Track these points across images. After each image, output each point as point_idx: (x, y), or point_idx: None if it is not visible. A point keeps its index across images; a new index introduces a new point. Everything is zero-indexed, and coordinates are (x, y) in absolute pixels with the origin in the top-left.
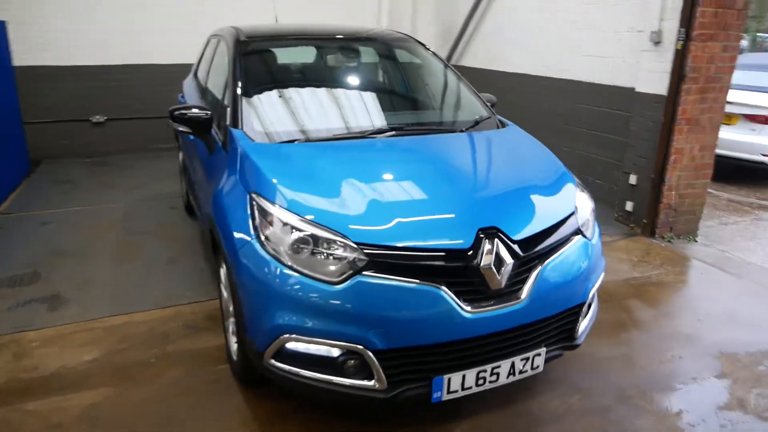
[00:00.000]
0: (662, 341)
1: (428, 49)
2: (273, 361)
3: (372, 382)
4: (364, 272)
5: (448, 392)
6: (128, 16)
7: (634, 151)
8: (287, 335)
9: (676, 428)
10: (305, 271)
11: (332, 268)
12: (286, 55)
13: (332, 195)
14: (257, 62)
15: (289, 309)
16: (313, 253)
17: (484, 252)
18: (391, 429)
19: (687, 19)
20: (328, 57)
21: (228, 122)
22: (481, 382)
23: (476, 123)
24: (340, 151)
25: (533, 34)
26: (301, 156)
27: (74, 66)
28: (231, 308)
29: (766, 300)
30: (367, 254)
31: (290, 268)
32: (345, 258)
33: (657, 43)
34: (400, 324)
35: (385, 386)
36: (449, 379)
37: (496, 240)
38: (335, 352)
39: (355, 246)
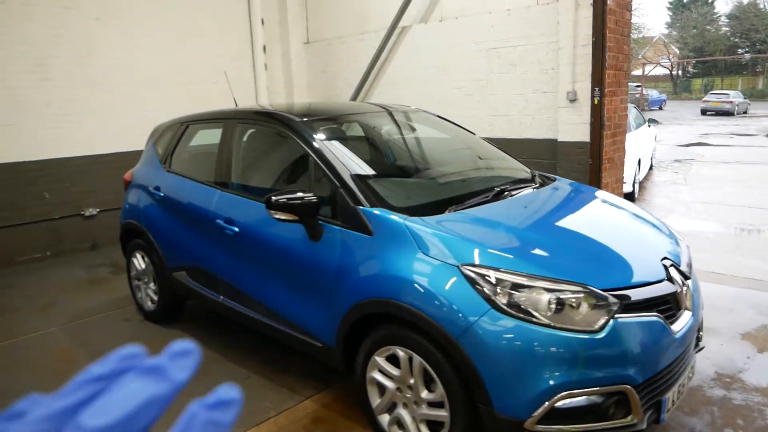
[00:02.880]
0: None
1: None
2: (541, 427)
3: (629, 418)
4: (617, 316)
5: (667, 410)
6: None
7: None
8: (560, 394)
9: None
10: (566, 326)
11: (590, 317)
12: (347, 132)
13: (543, 252)
14: (335, 140)
15: (556, 367)
16: (565, 308)
17: (675, 280)
18: None
19: (599, 80)
20: (383, 130)
21: (357, 203)
22: (678, 394)
23: (538, 177)
24: (503, 214)
25: (436, 103)
26: (473, 223)
27: None
28: (424, 394)
29: None
30: (616, 298)
31: (548, 327)
32: (600, 306)
33: (573, 100)
34: (646, 356)
35: (641, 418)
36: (669, 398)
37: (673, 268)
38: (599, 398)
39: (602, 293)
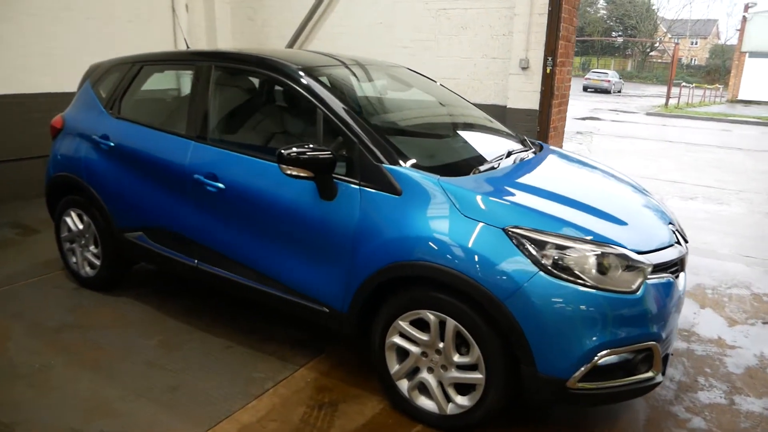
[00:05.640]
0: None
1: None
2: (581, 384)
3: (651, 372)
4: (648, 277)
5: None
6: None
7: None
8: (602, 353)
9: None
10: (609, 287)
11: (629, 279)
12: (346, 84)
13: (578, 214)
14: (343, 92)
15: (600, 327)
16: (610, 270)
17: (681, 243)
18: None
19: (553, 50)
20: (379, 86)
21: (379, 160)
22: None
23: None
24: (528, 177)
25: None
26: (506, 184)
27: None
28: (456, 357)
29: None
30: (646, 260)
31: (593, 288)
32: (636, 268)
33: (525, 68)
34: (665, 314)
35: (659, 372)
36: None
37: (677, 234)
38: (630, 355)
39: (639, 257)
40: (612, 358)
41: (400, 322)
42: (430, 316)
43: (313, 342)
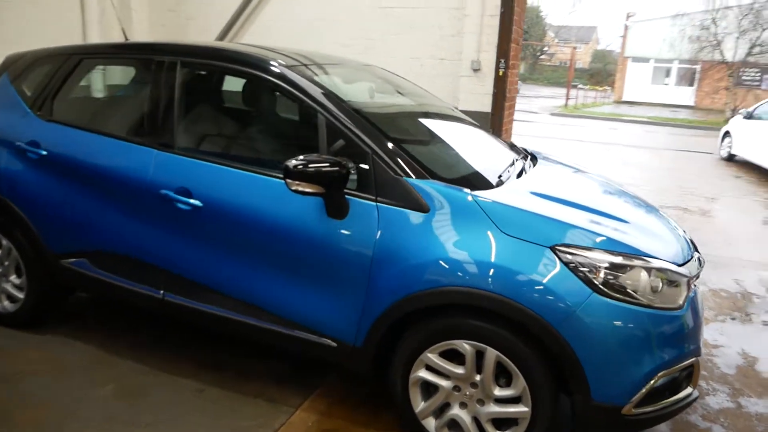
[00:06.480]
0: None
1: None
2: (636, 410)
3: (689, 390)
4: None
5: None
6: None
7: None
8: (659, 374)
9: None
10: (661, 305)
11: (675, 294)
12: (342, 86)
13: (618, 229)
14: (346, 97)
15: (656, 347)
16: (661, 287)
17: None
18: None
19: (505, 52)
20: (366, 86)
21: (399, 174)
22: None
23: (516, 147)
24: (553, 188)
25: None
26: (537, 197)
27: None
28: (497, 390)
29: None
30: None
31: (647, 306)
32: (681, 282)
33: (476, 70)
34: (701, 327)
35: (696, 386)
36: None
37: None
38: (677, 373)
39: (680, 270)
40: (665, 379)
41: (429, 355)
42: (466, 347)
43: (300, 375)
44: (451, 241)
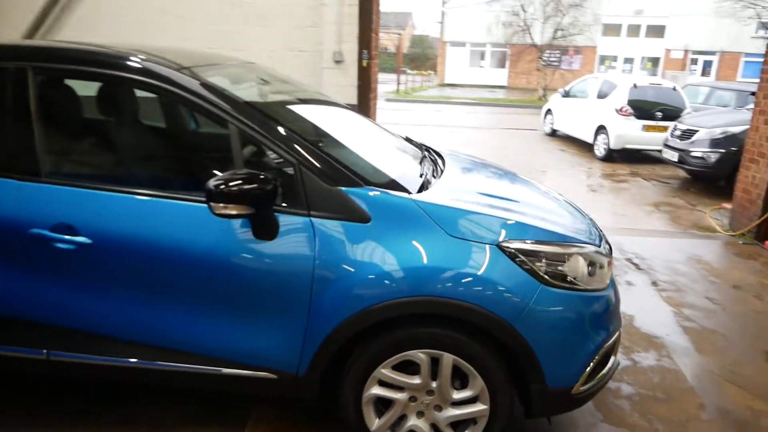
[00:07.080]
0: None
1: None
2: (583, 388)
3: (613, 358)
4: None
5: None
6: None
7: None
8: (601, 351)
9: None
10: (595, 288)
11: (604, 276)
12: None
13: (548, 218)
14: (258, 101)
15: (595, 327)
16: (595, 270)
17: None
18: None
19: (367, 42)
20: (263, 89)
21: (334, 183)
22: None
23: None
24: (480, 184)
25: None
26: (471, 195)
27: None
28: (454, 394)
29: None
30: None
31: (586, 291)
32: (605, 264)
33: (339, 62)
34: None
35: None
36: None
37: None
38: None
39: (603, 252)
40: (602, 353)
41: (383, 370)
42: (421, 356)
43: (223, 406)
44: (398, 250)
